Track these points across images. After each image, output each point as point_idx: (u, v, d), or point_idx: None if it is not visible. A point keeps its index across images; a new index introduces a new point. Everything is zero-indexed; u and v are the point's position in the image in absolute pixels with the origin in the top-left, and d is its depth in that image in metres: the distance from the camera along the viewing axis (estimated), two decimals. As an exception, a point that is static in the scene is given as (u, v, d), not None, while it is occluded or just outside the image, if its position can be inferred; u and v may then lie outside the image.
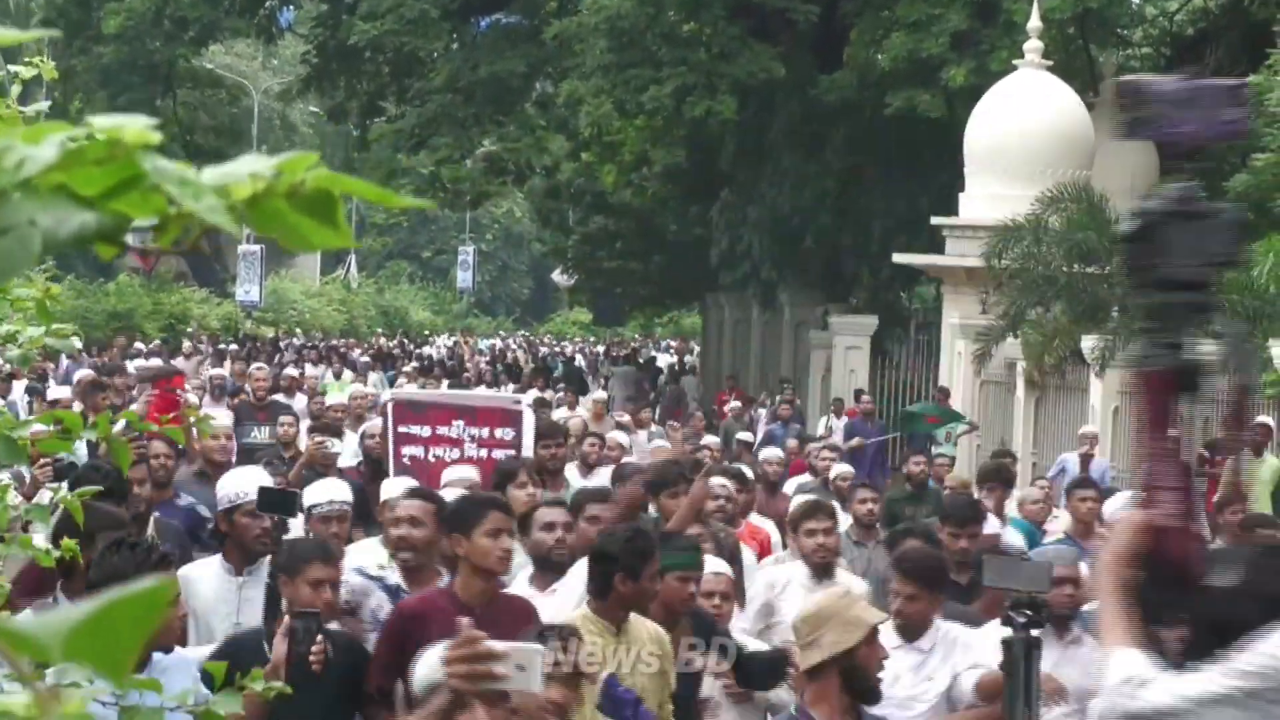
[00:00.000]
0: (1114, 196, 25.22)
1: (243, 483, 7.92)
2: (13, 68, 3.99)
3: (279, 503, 7.58)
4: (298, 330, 57.47)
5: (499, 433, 11.41)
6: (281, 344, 48.13)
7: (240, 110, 61.61)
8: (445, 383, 27.80)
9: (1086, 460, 18.76)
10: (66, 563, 6.07)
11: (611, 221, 44.21)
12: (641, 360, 49.52)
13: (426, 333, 71.04)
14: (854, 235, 33.43)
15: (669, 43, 31.25)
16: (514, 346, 62.95)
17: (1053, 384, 24.56)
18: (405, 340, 59.17)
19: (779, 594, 8.81)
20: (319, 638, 6.22)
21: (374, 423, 14.64)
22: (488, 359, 49.42)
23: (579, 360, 55.82)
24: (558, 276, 65.05)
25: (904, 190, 32.17)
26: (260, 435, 16.15)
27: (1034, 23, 27.02)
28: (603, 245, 44.77)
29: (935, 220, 27.88)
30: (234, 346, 40.37)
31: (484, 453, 11.13)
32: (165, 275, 55.59)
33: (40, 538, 4.42)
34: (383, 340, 57.23)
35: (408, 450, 11.33)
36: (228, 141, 51.28)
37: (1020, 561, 6.52)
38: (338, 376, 28.77)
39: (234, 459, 15.42)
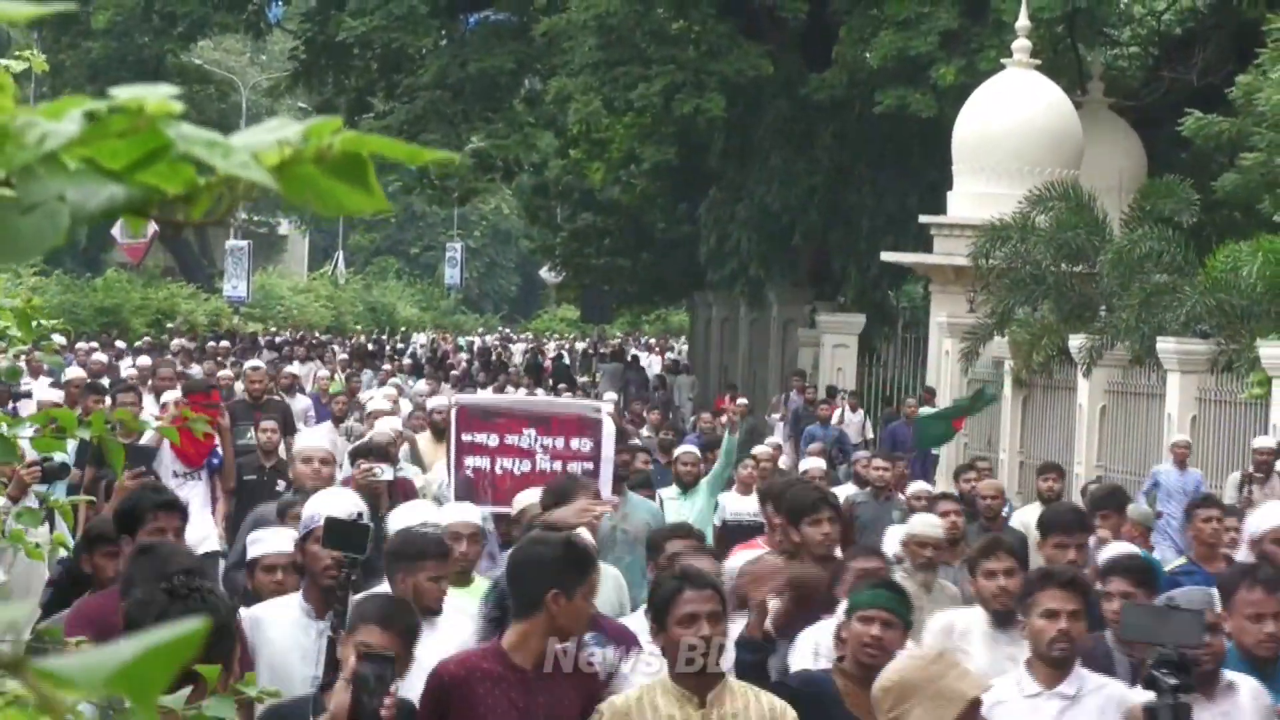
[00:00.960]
0: (1102, 195, 25.26)
1: (322, 505, 6.82)
2: (3, 61, 3.97)
3: (347, 538, 6.24)
4: (280, 329, 57.27)
5: (575, 443, 10.37)
6: (261, 340, 47.91)
7: (229, 106, 61.61)
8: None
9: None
10: (87, 575, 5.91)
11: (600, 219, 44.21)
12: (628, 358, 49.48)
13: (403, 329, 70.88)
14: (842, 233, 33.43)
15: (658, 40, 31.25)
16: (493, 343, 62.88)
17: (1040, 383, 24.57)
18: (384, 338, 58.96)
19: (958, 642, 7.36)
20: (392, 688, 5.24)
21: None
22: (468, 357, 49.28)
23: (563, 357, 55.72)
24: (546, 273, 65.00)
25: (892, 188, 32.19)
26: (254, 438, 14.69)
27: (1022, 21, 27.04)
28: (591, 242, 44.75)
29: (923, 219, 27.89)
30: (224, 343, 40.28)
31: (557, 465, 10.09)
32: (153, 270, 55.54)
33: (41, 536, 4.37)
34: (361, 338, 57.06)
35: (471, 461, 10.34)
36: (215, 137, 51.17)
37: (1166, 611, 5.70)
38: (333, 375, 28.64)
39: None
